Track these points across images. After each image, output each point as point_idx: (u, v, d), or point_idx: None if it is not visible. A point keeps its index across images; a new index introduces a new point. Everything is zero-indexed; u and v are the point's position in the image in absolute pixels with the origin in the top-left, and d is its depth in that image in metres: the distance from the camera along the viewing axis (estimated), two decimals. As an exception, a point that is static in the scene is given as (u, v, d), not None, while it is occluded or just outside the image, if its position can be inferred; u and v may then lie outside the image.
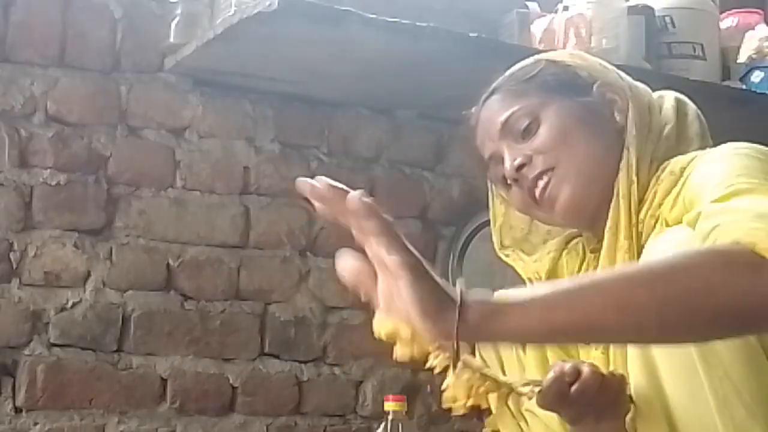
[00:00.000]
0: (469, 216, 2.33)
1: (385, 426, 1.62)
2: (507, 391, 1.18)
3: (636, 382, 1.21)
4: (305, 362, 2.18)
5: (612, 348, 1.30)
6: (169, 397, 2.05)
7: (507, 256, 1.48)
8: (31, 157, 1.98)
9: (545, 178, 1.34)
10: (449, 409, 1.14)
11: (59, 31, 2.02)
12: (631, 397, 1.24)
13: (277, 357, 2.15)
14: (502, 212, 1.49)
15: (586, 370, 1.19)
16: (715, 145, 1.29)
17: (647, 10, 2.20)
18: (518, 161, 1.35)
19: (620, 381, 1.22)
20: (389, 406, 1.65)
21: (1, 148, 1.95)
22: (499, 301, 0.98)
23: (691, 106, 1.42)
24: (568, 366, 1.19)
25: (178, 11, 2.02)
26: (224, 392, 2.10)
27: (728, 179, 1.13)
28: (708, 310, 0.95)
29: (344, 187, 1.02)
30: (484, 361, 1.24)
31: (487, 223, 1.56)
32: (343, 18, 1.81)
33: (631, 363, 1.22)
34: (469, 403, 1.14)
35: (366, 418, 2.21)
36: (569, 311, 0.96)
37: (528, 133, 1.36)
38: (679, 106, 1.41)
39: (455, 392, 1.13)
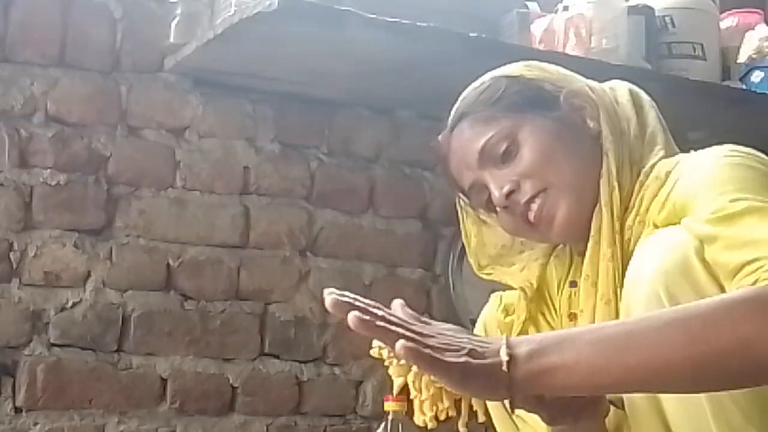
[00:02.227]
0: (469, 216, 2.32)
1: (385, 426, 1.61)
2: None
3: None
4: (305, 362, 2.18)
5: None
6: (169, 397, 2.05)
7: (489, 274, 1.46)
8: (31, 157, 1.98)
9: (538, 201, 1.32)
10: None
11: (59, 31, 2.02)
12: (613, 402, 1.24)
13: (277, 357, 2.15)
14: (475, 233, 1.47)
15: None
16: (713, 145, 1.28)
17: (647, 10, 2.20)
18: (506, 188, 1.33)
19: None
20: (389, 406, 1.65)
21: (1, 148, 1.95)
22: (543, 357, 0.98)
23: (645, 96, 1.41)
24: None
25: (178, 11, 2.02)
26: (224, 392, 2.10)
27: (729, 191, 1.13)
28: (743, 366, 0.95)
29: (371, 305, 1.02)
30: None
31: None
32: (343, 18, 1.81)
33: None
34: (441, 414, 1.14)
35: (366, 418, 2.21)
36: (609, 374, 0.97)
37: (508, 156, 1.34)
38: (635, 99, 1.39)
39: (420, 407, 1.13)
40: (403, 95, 2.22)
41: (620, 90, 1.40)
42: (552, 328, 1.39)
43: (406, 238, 2.32)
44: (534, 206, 1.32)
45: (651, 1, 2.23)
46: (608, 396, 1.24)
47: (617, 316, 1.24)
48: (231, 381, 2.11)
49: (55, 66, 2.01)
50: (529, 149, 1.33)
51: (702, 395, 1.12)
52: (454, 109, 1.41)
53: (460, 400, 1.12)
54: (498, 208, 1.36)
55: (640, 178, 1.30)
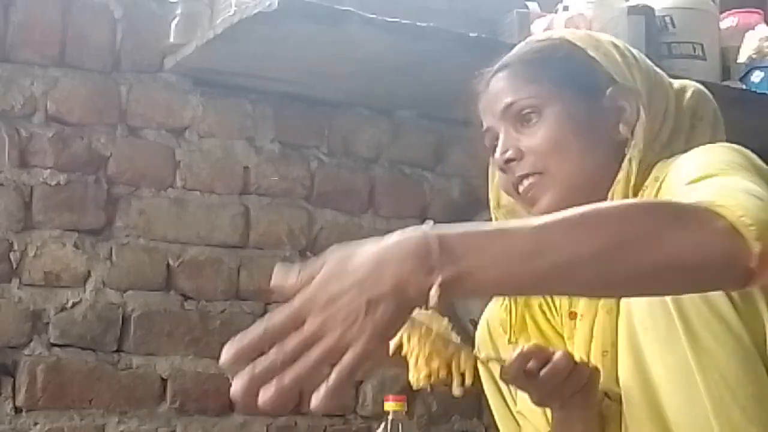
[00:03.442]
0: (469, 216, 2.31)
1: (385, 426, 1.62)
2: (470, 357, 1.16)
3: (627, 384, 1.21)
4: (305, 362, 2.17)
5: (597, 350, 1.30)
6: (169, 397, 2.05)
7: (504, 216, 1.43)
8: (31, 157, 1.98)
9: (531, 180, 1.32)
10: (413, 384, 1.15)
11: (59, 31, 2.02)
12: (607, 393, 1.24)
13: (277, 357, 2.15)
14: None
15: (558, 354, 1.20)
16: None
17: (647, 10, 2.20)
18: (508, 155, 1.33)
19: (593, 372, 1.23)
20: (389, 406, 1.65)
21: (1, 148, 1.95)
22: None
23: (710, 106, 1.38)
24: (536, 346, 1.20)
25: (178, 11, 2.02)
26: (224, 392, 2.10)
27: (699, 169, 1.13)
28: (652, 262, 0.93)
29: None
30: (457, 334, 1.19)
31: (488, 222, 1.54)
32: (343, 18, 1.81)
33: (621, 366, 1.21)
34: (441, 371, 1.14)
35: (366, 418, 2.20)
36: (521, 279, 0.94)
37: (528, 123, 1.33)
38: (697, 108, 1.37)
39: (419, 357, 1.14)
40: (403, 95, 2.22)
41: (688, 93, 1.38)
42: (552, 327, 1.39)
43: (406, 238, 2.32)
44: (526, 182, 1.33)
45: (651, 1, 2.23)
46: (601, 387, 1.24)
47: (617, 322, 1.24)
48: (231, 381, 2.10)
49: (55, 66, 2.01)
50: (546, 128, 1.32)
51: (702, 393, 1.12)
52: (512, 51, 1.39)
53: (451, 360, 1.13)
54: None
55: (646, 181, 1.30)
